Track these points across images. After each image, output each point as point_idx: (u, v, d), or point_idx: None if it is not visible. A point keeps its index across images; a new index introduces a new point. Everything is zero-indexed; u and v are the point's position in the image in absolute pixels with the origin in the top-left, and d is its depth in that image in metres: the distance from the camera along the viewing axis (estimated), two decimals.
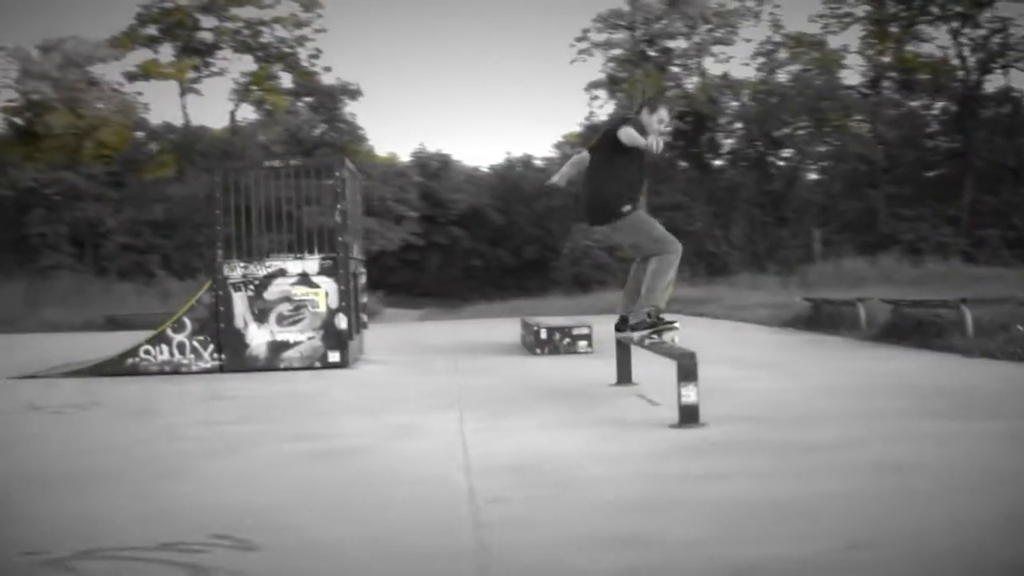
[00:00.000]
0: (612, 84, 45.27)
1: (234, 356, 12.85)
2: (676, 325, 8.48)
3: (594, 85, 46.16)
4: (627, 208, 8.37)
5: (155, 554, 4.02)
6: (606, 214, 8.48)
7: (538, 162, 57.97)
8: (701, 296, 29.67)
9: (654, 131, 8.31)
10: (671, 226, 35.16)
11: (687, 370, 7.00)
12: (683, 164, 45.91)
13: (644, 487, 5.09)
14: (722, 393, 8.76)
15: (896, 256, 33.79)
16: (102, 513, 4.87)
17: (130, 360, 12.85)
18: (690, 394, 6.98)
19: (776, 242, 42.47)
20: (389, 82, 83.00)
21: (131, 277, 36.42)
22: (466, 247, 55.78)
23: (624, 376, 9.80)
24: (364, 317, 15.54)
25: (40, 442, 7.52)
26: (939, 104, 45.01)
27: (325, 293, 12.89)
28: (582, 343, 14.11)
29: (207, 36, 44.57)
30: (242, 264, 12.90)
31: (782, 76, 45.29)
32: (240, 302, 12.88)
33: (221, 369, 12.79)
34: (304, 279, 12.89)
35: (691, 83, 45.77)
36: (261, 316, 12.88)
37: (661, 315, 8.40)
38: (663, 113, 8.62)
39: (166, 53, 44.24)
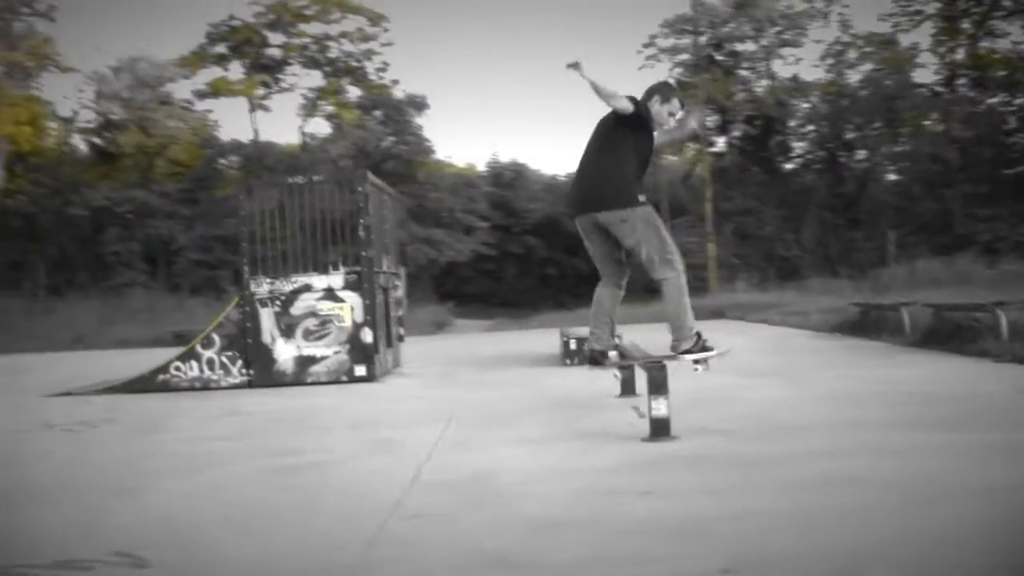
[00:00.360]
0: (681, 89, 44.83)
1: (262, 371, 13.00)
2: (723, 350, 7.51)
3: None
4: (643, 197, 7.20)
5: (45, 572, 4.12)
6: (619, 198, 7.16)
7: None
8: (770, 301, 29.40)
9: (664, 122, 7.51)
10: (742, 231, 34.66)
11: (657, 383, 6.91)
12: (753, 168, 45.35)
13: (571, 504, 5.03)
14: (716, 403, 8.70)
15: (972, 257, 32.93)
16: (27, 529, 4.99)
17: (161, 376, 13.07)
18: (660, 407, 6.88)
19: (849, 245, 41.76)
20: (461, 93, 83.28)
21: (202, 293, 36.98)
22: (541, 256, 55.72)
23: (628, 388, 9.71)
24: (400, 330, 15.63)
25: (25, 460, 7.66)
26: (1017, 100, 43.92)
27: (351, 308, 12.98)
28: (612, 353, 13.93)
29: (275, 53, 45.15)
30: (268, 280, 13.04)
31: (853, 77, 44.59)
32: (267, 318, 13.04)
33: (250, 384, 12.95)
34: (329, 294, 13.00)
35: (760, 86, 45.23)
36: (288, 331, 13.02)
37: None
38: (675, 104, 7.52)
39: (235, 71, 44.94)
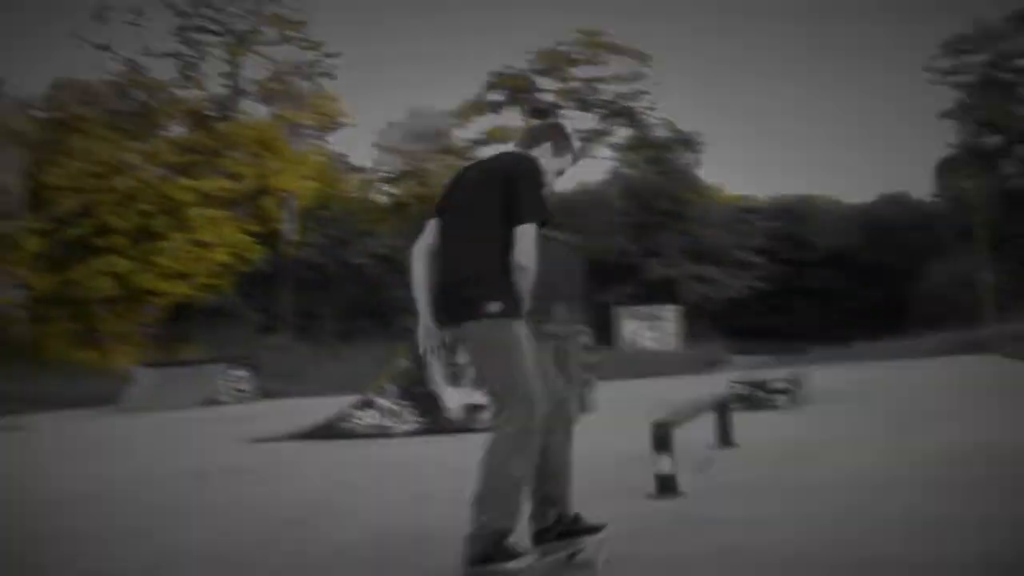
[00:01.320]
0: (962, 111, 42.99)
1: (433, 419, 13.53)
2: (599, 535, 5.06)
3: (945, 114, 44.10)
4: (494, 306, 4.60)
5: None
6: (458, 307, 4.75)
7: (923, 197, 56.15)
8: None
9: (549, 182, 5.02)
10: None
11: (660, 440, 6.93)
12: None
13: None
14: (793, 460, 8.47)
15: None
16: None
17: (342, 424, 13.89)
18: (664, 465, 6.90)
19: None
20: (739, 127, 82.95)
21: None
22: (835, 288, 54.40)
23: (724, 438, 9.64)
24: (590, 377, 15.86)
25: (101, 504, 8.53)
26: None
27: None
28: (780, 398, 13.64)
29: (548, 97, 46.42)
30: None
31: None
32: (436, 366, 13.59)
33: (425, 432, 13.49)
34: None
35: None
36: (455, 379, 13.52)
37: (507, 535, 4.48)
38: (567, 160, 5.19)
39: (510, 118, 46.47)
